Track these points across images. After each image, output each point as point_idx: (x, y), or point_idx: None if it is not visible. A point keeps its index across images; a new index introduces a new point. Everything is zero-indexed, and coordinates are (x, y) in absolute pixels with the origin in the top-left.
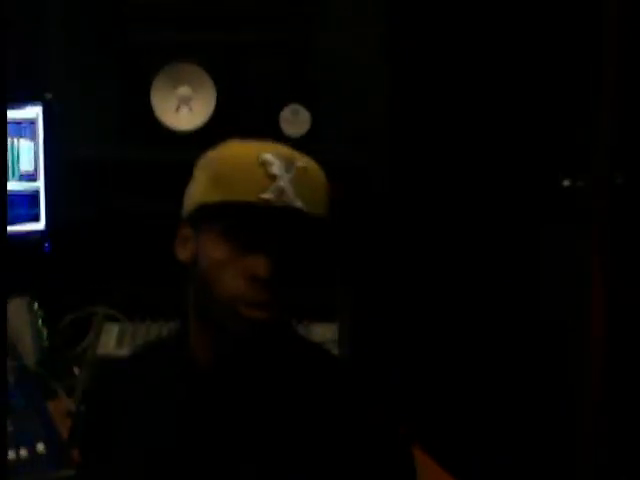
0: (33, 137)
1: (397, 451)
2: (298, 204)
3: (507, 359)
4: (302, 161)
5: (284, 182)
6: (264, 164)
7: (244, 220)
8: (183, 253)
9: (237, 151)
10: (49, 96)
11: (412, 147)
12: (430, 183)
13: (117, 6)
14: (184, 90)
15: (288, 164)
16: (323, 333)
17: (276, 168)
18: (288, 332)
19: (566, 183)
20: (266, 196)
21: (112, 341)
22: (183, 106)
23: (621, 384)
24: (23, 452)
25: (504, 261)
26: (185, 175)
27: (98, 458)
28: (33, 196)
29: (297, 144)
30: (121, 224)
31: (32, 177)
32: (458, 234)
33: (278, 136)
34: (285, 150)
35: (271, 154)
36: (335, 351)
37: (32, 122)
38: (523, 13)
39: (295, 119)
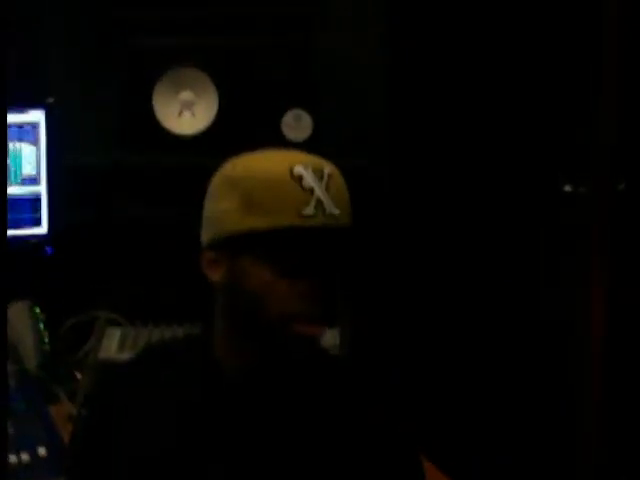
0: (35, 141)
1: (407, 453)
2: (336, 212)
3: (507, 360)
4: (327, 167)
5: (320, 193)
6: (297, 178)
7: (290, 243)
8: (215, 275)
9: (265, 167)
10: (51, 100)
11: (414, 152)
12: (432, 188)
13: (119, 11)
14: (186, 95)
15: (317, 172)
16: (325, 338)
17: (310, 180)
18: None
19: (567, 188)
20: (308, 212)
21: (114, 345)
22: (185, 111)
23: (621, 384)
24: (24, 456)
25: (505, 263)
26: (187, 180)
27: (97, 462)
28: (35, 200)
29: (299, 149)
30: (123, 228)
31: (34, 181)
32: (459, 238)
33: (280, 141)
34: (309, 157)
35: (301, 166)
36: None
37: (34, 126)
38: (523, 17)
39: (297, 124)
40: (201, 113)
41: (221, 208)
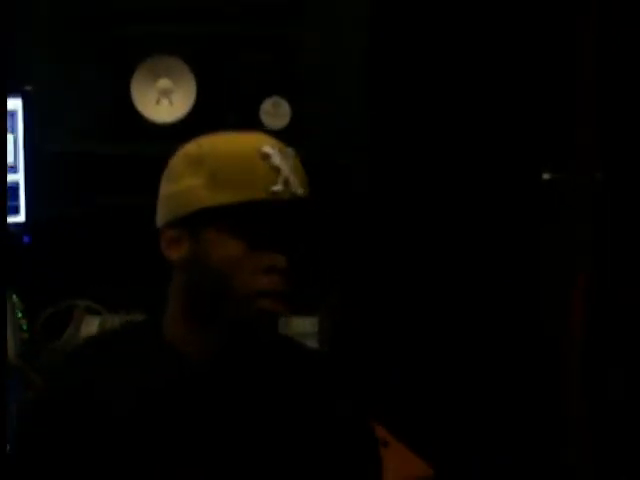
0: (13, 129)
1: (365, 443)
2: (300, 191)
3: (490, 354)
4: (291, 149)
5: (287, 172)
6: (265, 156)
7: (257, 217)
8: (175, 254)
9: (232, 145)
10: (29, 88)
11: (394, 142)
12: (411, 177)
13: None
14: (164, 82)
15: (282, 153)
16: (303, 326)
17: (277, 159)
18: None
19: (546, 177)
20: (276, 189)
21: (92, 334)
22: (163, 99)
23: (617, 384)
24: None
25: (484, 256)
26: (164, 168)
27: (47, 450)
28: (13, 188)
29: (277, 136)
30: (101, 216)
31: (12, 169)
32: (438, 228)
33: (258, 128)
34: (272, 139)
35: (268, 145)
36: (315, 344)
37: (12, 114)
38: (504, 9)
39: (276, 111)
40: (179, 101)
41: (186, 185)
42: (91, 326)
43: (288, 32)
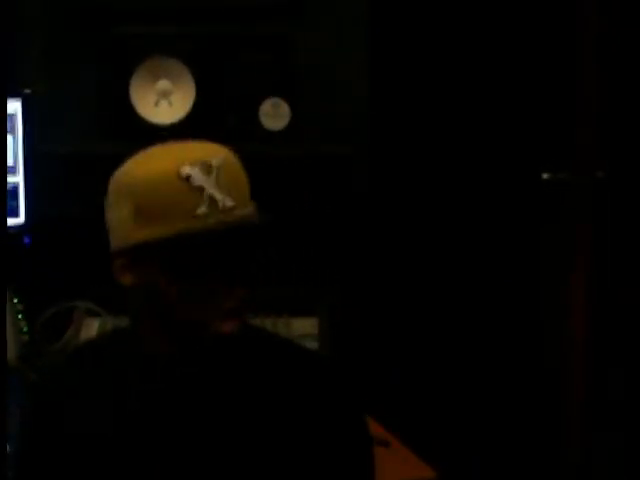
0: (12, 131)
1: (358, 443)
2: (230, 204)
3: (490, 354)
4: (216, 158)
5: (210, 189)
6: (185, 178)
7: (189, 247)
8: (125, 280)
9: (153, 171)
10: (28, 90)
11: (394, 142)
12: (411, 178)
13: None
14: (164, 84)
15: (205, 168)
16: (303, 327)
17: (198, 178)
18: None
19: (545, 176)
20: (200, 212)
21: (93, 335)
22: (162, 100)
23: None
24: None
25: (484, 256)
26: None
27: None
28: (12, 190)
29: (277, 138)
30: (101, 216)
31: (12, 171)
32: (438, 228)
33: (258, 130)
34: (197, 151)
35: (188, 165)
36: (315, 345)
37: (11, 116)
38: (502, 8)
39: (275, 112)
40: (178, 102)
41: (118, 217)
42: (91, 328)
43: (288, 32)
